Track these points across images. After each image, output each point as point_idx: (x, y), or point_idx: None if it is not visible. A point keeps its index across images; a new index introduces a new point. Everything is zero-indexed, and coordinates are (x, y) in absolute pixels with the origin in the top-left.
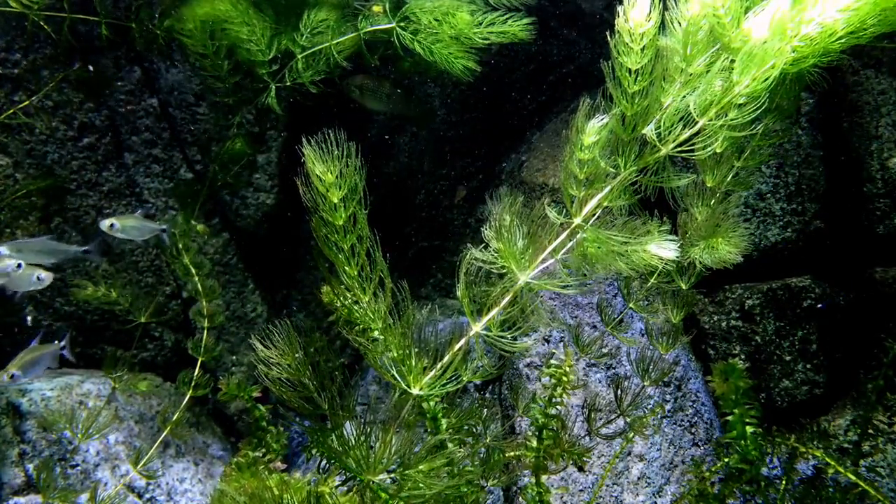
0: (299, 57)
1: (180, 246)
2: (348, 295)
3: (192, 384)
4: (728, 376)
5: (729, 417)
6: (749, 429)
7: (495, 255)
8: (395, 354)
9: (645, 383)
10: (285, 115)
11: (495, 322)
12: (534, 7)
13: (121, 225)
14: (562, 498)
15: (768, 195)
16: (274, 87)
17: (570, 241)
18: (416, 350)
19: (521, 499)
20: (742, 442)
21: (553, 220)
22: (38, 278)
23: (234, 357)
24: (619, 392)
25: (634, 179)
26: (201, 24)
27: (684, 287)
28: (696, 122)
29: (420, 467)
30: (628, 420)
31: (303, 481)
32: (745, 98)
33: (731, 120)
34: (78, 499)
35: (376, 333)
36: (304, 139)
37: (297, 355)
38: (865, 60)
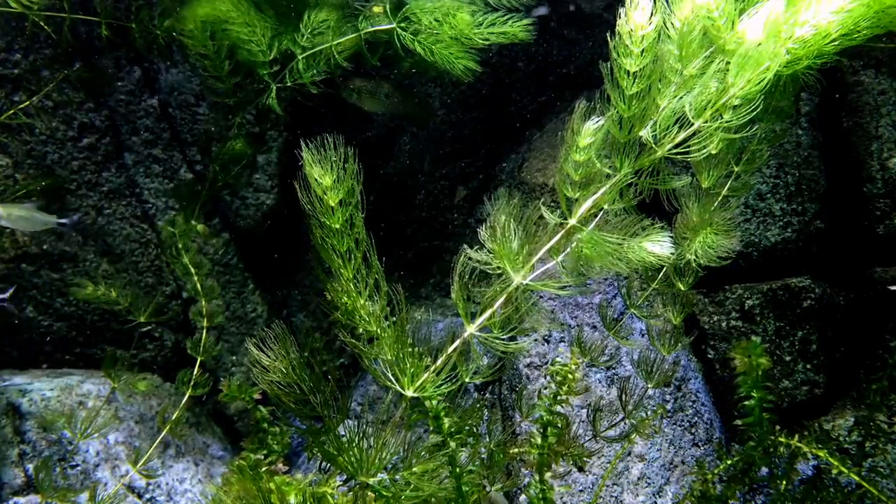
0: (300, 57)
1: (180, 246)
2: (345, 298)
3: (192, 384)
4: (750, 353)
5: (746, 402)
6: (766, 415)
7: (490, 255)
8: (390, 357)
9: (649, 385)
10: (286, 115)
11: (494, 323)
12: (534, 7)
13: (4, 213)
14: (562, 498)
15: (768, 195)
16: (274, 87)
17: (566, 242)
18: (411, 351)
19: (523, 496)
20: (758, 428)
21: (549, 222)
22: None
23: (233, 357)
24: (623, 395)
25: (631, 181)
26: (202, 24)
27: (683, 288)
28: (692, 124)
29: (415, 469)
30: (632, 422)
31: (304, 482)
32: (740, 100)
33: (727, 122)
34: (78, 499)
35: (372, 335)
36: (302, 142)
37: (292, 356)
38: (865, 61)
